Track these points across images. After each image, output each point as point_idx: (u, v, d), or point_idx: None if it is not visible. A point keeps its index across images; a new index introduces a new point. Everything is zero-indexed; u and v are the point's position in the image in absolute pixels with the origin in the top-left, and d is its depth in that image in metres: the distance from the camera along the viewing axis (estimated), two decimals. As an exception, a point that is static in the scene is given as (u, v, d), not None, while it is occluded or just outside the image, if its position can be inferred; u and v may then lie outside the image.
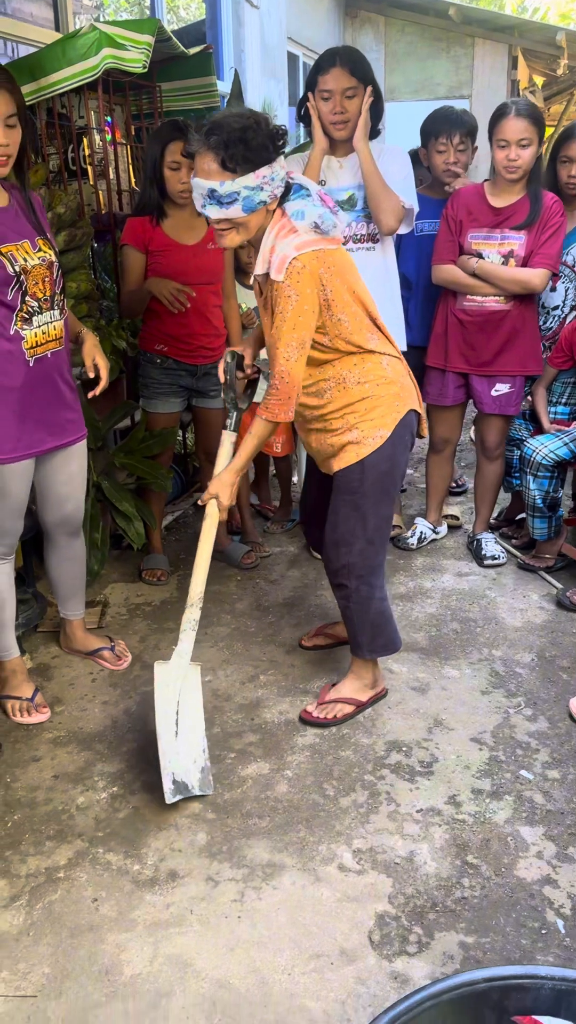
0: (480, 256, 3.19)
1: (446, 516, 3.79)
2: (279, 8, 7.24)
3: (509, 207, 3.15)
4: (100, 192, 3.71)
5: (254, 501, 4.00)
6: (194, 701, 2.29)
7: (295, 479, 4.03)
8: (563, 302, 3.41)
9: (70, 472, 2.53)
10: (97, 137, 3.72)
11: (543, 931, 1.83)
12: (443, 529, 3.72)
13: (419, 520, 3.65)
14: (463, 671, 2.77)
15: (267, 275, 2.14)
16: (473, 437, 3.76)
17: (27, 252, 2.25)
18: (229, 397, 2.40)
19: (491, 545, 3.51)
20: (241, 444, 2.29)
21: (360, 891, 1.93)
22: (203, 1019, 1.65)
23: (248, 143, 1.98)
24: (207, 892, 1.93)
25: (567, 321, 3.37)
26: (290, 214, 2.10)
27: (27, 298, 2.24)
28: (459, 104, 3.69)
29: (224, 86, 5.03)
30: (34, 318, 2.27)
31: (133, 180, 4.05)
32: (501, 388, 3.32)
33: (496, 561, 3.46)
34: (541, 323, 3.41)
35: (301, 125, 3.09)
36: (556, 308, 3.43)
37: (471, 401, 3.46)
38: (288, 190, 2.13)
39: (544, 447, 3.17)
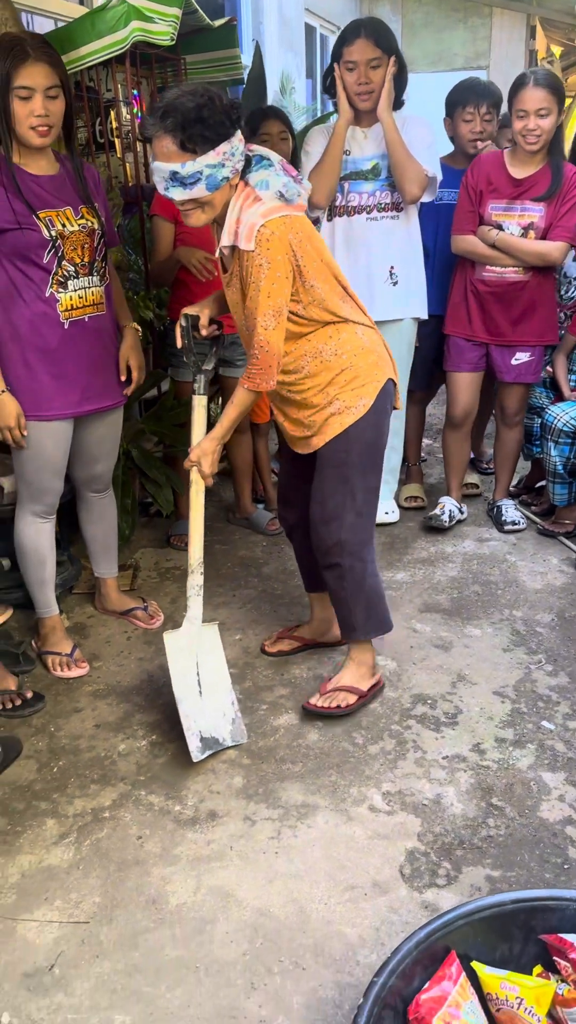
0: (500, 228, 3.21)
1: (466, 484, 3.85)
2: (296, -21, 7.23)
3: (529, 178, 3.16)
4: (127, 164, 3.77)
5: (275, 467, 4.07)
6: (215, 659, 2.38)
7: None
8: (583, 272, 3.45)
9: (102, 435, 2.62)
10: (124, 110, 3.77)
11: (565, 866, 1.92)
12: (466, 509, 3.74)
13: (446, 499, 3.59)
14: (485, 630, 2.85)
15: (233, 248, 2.11)
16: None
17: (67, 218, 2.33)
18: (191, 360, 2.36)
19: (511, 511, 3.58)
20: (223, 413, 2.26)
21: (390, 830, 2.03)
22: (246, 943, 1.76)
23: (205, 121, 1.96)
24: (245, 830, 2.04)
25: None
26: (253, 184, 2.06)
27: (64, 262, 2.32)
28: (477, 75, 3.71)
29: (245, 58, 5.04)
30: (70, 282, 2.35)
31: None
32: (521, 357, 3.36)
33: (516, 527, 3.53)
34: (563, 292, 3.46)
35: (325, 96, 3.14)
36: (576, 278, 3.48)
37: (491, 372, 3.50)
38: (248, 163, 2.09)
39: (565, 414, 3.24)
